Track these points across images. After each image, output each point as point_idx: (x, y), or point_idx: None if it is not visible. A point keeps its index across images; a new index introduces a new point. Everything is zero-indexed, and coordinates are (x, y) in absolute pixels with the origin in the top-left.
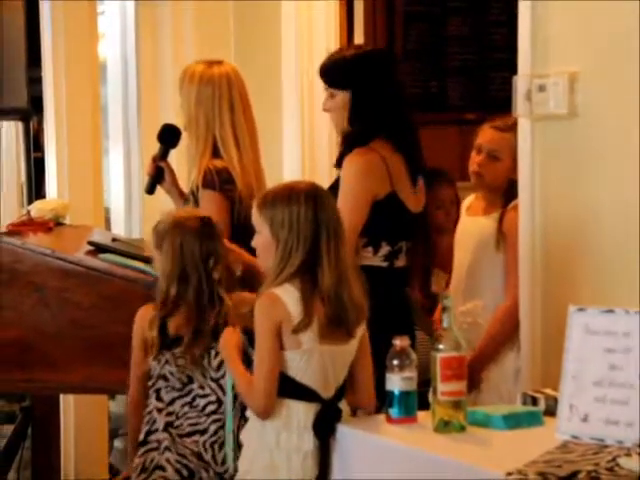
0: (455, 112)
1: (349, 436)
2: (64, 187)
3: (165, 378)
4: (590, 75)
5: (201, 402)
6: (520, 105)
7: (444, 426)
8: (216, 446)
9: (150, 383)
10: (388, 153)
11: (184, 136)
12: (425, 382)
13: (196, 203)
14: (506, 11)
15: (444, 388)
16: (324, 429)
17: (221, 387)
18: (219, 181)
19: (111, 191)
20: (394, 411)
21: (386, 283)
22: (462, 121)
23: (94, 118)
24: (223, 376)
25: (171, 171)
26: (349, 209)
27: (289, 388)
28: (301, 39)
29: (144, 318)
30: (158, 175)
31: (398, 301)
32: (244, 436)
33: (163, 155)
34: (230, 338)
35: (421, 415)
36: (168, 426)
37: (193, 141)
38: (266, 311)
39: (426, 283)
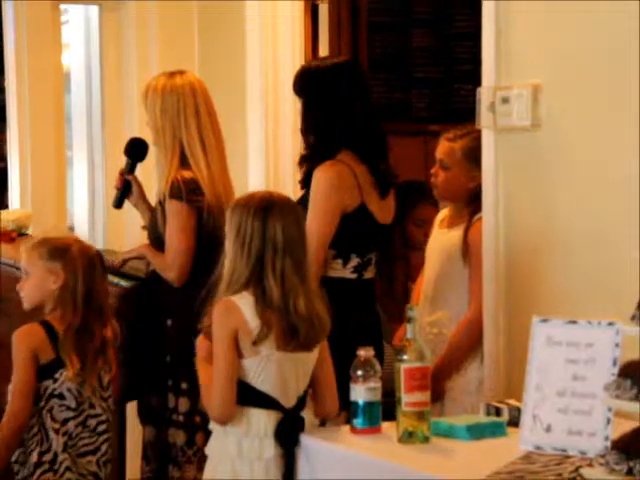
0: (419, 123)
1: (314, 446)
2: (27, 197)
3: (61, 396)
4: (553, 87)
5: (93, 422)
6: (484, 117)
7: (408, 437)
8: (108, 464)
9: (42, 402)
10: (354, 164)
11: (151, 150)
12: (391, 393)
13: (163, 214)
14: (471, 24)
15: (408, 399)
16: (287, 438)
17: (109, 407)
18: (186, 191)
19: (74, 201)
20: (358, 422)
21: (355, 295)
22: (426, 132)
23: (58, 128)
24: (111, 395)
25: (138, 185)
26: (319, 221)
27: (249, 396)
28: (266, 50)
29: (33, 336)
30: (125, 189)
31: (366, 313)
32: (207, 448)
33: (130, 169)
34: (200, 347)
35: (386, 426)
36: (66, 447)
37: (162, 152)
38: (223, 318)
39: (389, 293)
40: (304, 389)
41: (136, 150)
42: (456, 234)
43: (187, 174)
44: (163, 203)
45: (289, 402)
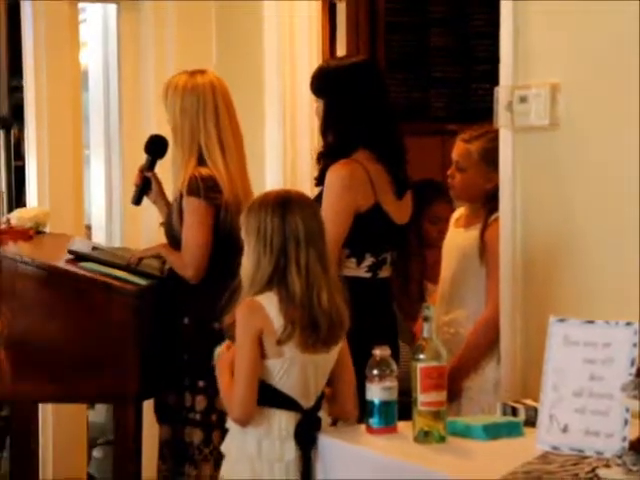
0: (437, 123)
1: (330, 446)
2: (45, 195)
3: None
4: (571, 86)
5: None
6: (502, 116)
7: (424, 436)
8: None
9: None
10: (370, 163)
11: (170, 147)
12: (407, 392)
13: (179, 211)
14: (489, 22)
15: (424, 398)
16: (306, 438)
17: None
18: (204, 188)
19: (92, 199)
20: (374, 421)
21: (369, 294)
22: (444, 132)
23: (75, 126)
24: None
25: (158, 182)
26: (332, 221)
27: (270, 397)
28: (283, 50)
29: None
30: (145, 186)
31: (382, 312)
32: (225, 447)
33: (150, 166)
34: (223, 352)
35: (401, 425)
36: None
37: (179, 150)
38: (247, 318)
39: (404, 291)
40: (322, 389)
41: (156, 147)
42: (473, 234)
43: (205, 171)
44: (179, 201)
45: (308, 403)
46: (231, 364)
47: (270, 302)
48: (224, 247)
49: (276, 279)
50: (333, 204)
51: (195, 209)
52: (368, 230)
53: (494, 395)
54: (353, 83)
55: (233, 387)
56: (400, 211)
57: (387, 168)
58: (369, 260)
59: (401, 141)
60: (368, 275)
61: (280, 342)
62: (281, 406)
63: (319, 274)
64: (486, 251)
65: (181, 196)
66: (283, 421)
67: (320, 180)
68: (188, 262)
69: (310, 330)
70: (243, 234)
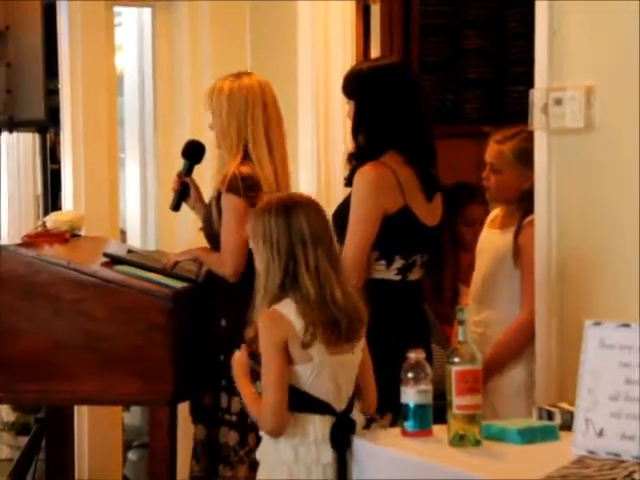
0: (471, 125)
1: (365, 449)
2: (80, 199)
3: None
4: (607, 88)
5: None
6: (537, 118)
7: (459, 440)
8: None
9: None
10: (399, 166)
11: (210, 152)
12: (441, 395)
13: (219, 209)
14: (524, 24)
15: (459, 402)
16: (341, 441)
17: None
18: (243, 187)
19: (127, 203)
20: (409, 424)
21: (399, 296)
22: (478, 134)
23: (110, 130)
24: None
25: (196, 187)
26: (359, 224)
27: (302, 402)
28: (317, 51)
29: None
30: (183, 191)
31: (413, 314)
32: (260, 454)
33: (188, 171)
34: (238, 365)
35: (436, 429)
36: None
37: (226, 151)
38: (270, 329)
39: (438, 294)
40: (352, 391)
41: (193, 152)
42: (507, 236)
43: (245, 170)
44: (218, 198)
45: (341, 405)
46: (248, 371)
47: (289, 308)
48: None
49: (289, 283)
50: (360, 207)
51: (234, 207)
52: (397, 232)
53: (516, 399)
54: (383, 85)
55: (263, 399)
56: (430, 213)
57: (417, 171)
58: (399, 262)
59: (432, 144)
60: (398, 278)
61: (305, 345)
62: (315, 411)
63: (329, 273)
64: (520, 254)
65: (219, 194)
66: (318, 425)
67: (349, 181)
68: (227, 260)
69: (331, 328)
70: (251, 241)
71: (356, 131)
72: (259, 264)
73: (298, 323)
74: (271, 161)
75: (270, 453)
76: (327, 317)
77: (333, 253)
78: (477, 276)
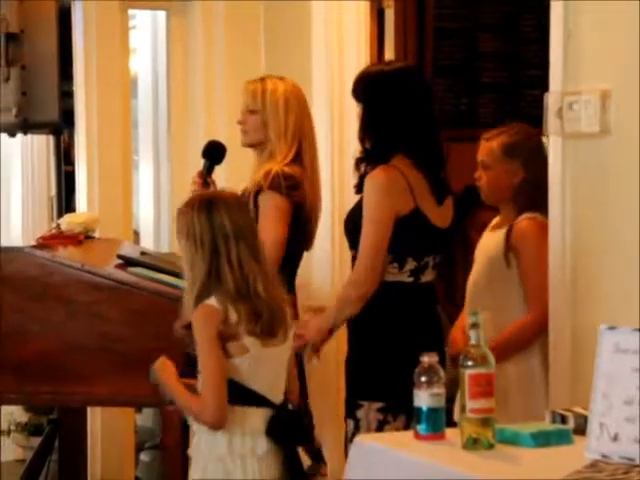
0: (485, 129)
1: (376, 452)
2: (94, 201)
3: None
4: (622, 93)
5: None
6: (551, 123)
7: (472, 443)
8: None
9: None
10: (408, 169)
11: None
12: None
13: (255, 204)
14: (538, 28)
15: (472, 405)
16: (281, 434)
17: None
18: (286, 186)
19: (140, 205)
20: (422, 428)
21: (412, 299)
22: None
23: (125, 132)
24: None
25: (216, 187)
26: (373, 227)
27: (238, 395)
28: (332, 56)
29: None
30: None
31: (426, 317)
32: (193, 450)
33: (209, 171)
34: (165, 368)
35: (449, 432)
36: None
37: (281, 145)
38: (205, 324)
39: (449, 298)
40: (286, 383)
41: (214, 152)
42: (498, 235)
43: (288, 169)
44: (255, 194)
45: (278, 397)
46: (175, 373)
47: (220, 302)
48: (296, 245)
49: (214, 277)
50: (372, 211)
51: (276, 205)
52: (409, 234)
53: (507, 398)
54: (390, 89)
55: (203, 393)
56: (441, 215)
57: (426, 174)
58: (411, 264)
59: (440, 148)
60: (410, 280)
61: (236, 337)
62: (251, 403)
63: (253, 267)
64: (517, 253)
65: (257, 190)
66: (255, 418)
67: (359, 187)
68: (267, 257)
69: (254, 320)
70: (177, 238)
71: (363, 135)
72: (184, 262)
73: (231, 315)
74: (314, 163)
75: (203, 448)
76: (250, 309)
77: (256, 247)
78: (470, 280)
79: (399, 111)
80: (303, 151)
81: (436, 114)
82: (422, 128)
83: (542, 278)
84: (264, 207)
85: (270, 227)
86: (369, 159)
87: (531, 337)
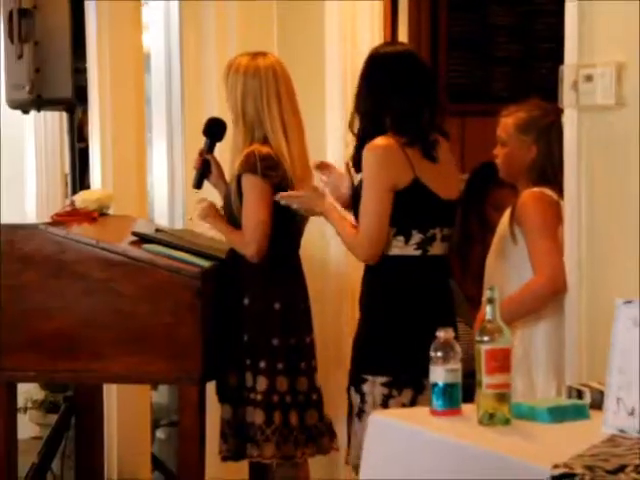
0: (500, 102)
1: (392, 427)
2: (108, 178)
3: None
4: (638, 65)
5: None
6: (566, 95)
7: (489, 419)
8: None
9: None
10: (403, 144)
11: (230, 128)
12: (467, 374)
13: (239, 192)
14: (552, 0)
15: (489, 380)
16: None
17: None
18: (262, 166)
19: (154, 182)
20: (438, 403)
21: (421, 272)
22: None
23: (138, 109)
24: None
25: (217, 164)
26: (373, 199)
27: None
28: (345, 31)
29: None
30: (205, 169)
31: (435, 291)
32: None
33: (209, 149)
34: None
35: (465, 408)
36: None
37: (240, 132)
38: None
39: (465, 273)
40: None
41: (215, 130)
42: (506, 212)
43: (265, 150)
44: (238, 181)
45: None
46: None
47: None
48: (283, 227)
49: None
50: (372, 182)
51: (253, 186)
52: (411, 206)
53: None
54: (381, 70)
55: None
56: (445, 185)
57: (420, 150)
58: (417, 237)
59: (433, 132)
60: (418, 253)
61: None
62: None
63: None
64: (520, 223)
65: (239, 176)
66: None
67: (358, 165)
68: (249, 240)
69: None
70: None
71: (351, 118)
72: None
73: None
74: (287, 145)
75: None
76: None
77: None
78: (487, 257)
79: (387, 92)
80: (271, 134)
81: (442, 95)
82: (412, 109)
83: (547, 244)
84: (244, 191)
85: (251, 211)
86: (359, 140)
87: (539, 299)
